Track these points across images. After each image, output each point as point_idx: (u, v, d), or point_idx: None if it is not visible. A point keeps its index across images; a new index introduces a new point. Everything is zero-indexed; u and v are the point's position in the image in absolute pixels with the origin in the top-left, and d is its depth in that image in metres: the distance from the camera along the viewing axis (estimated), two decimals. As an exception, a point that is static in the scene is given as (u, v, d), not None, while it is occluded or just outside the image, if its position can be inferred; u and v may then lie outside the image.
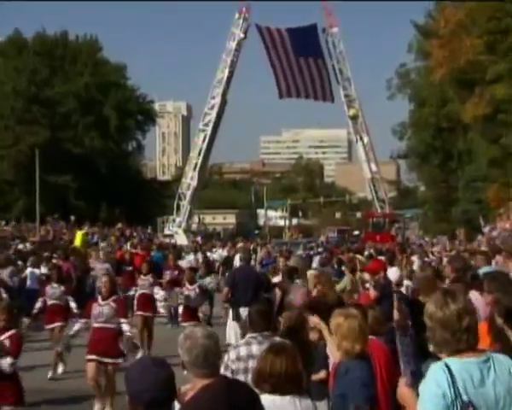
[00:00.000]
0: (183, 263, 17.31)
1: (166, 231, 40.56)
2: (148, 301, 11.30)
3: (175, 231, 40.28)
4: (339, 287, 8.98)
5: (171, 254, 15.86)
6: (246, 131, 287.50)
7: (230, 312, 9.96)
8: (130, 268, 15.34)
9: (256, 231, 58.76)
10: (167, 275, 13.67)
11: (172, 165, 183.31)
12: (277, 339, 4.82)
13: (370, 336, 4.38)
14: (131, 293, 11.83)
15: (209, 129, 42.10)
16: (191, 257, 20.14)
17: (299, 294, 6.94)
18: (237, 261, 16.09)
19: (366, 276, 7.73)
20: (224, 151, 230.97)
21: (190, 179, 42.42)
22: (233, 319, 9.75)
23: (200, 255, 19.92)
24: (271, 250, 22.83)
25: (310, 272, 10.09)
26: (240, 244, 22.20)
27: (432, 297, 2.97)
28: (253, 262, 22.50)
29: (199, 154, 42.20)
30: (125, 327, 7.77)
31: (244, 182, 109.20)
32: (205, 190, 66.81)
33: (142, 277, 11.55)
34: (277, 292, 9.11)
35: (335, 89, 42.72)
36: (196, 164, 42.23)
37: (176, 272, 14.07)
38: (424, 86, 43.97)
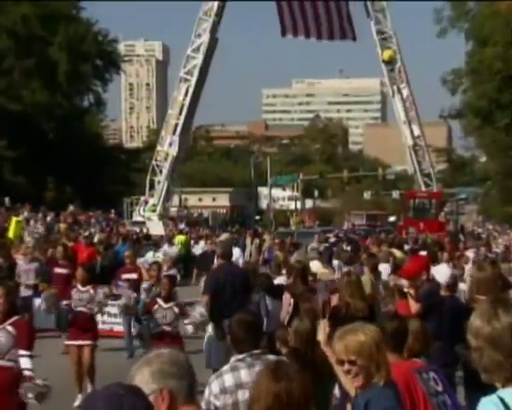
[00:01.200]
0: (145, 262, 17.36)
1: (136, 217, 41.00)
2: (86, 324, 11.06)
3: (147, 216, 40.74)
4: None
5: (129, 252, 15.62)
6: (243, 83, 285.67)
7: (209, 328, 10.11)
8: (66, 271, 14.95)
9: (257, 217, 58.85)
10: (122, 282, 13.39)
11: (143, 127, 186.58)
12: (272, 358, 4.89)
13: (402, 359, 4.63)
14: (63, 307, 11.39)
15: (193, 79, 42.10)
16: (162, 252, 19.69)
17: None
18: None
19: (403, 281, 7.87)
20: (213, 109, 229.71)
21: (168, 147, 42.49)
22: (217, 338, 9.91)
23: (171, 249, 19.79)
24: (273, 243, 23.03)
25: (321, 271, 10.26)
26: (224, 236, 21.49)
27: (477, 308, 3.06)
28: (254, 257, 22.37)
29: (180, 112, 42.14)
30: (25, 364, 7.04)
31: (241, 151, 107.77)
32: (188, 161, 66.29)
33: (78, 287, 11.21)
34: (287, 297, 9.17)
35: (364, 24, 42.22)
36: (176, 126, 42.20)
37: (133, 276, 14.18)
38: (487, 18, 43.21)
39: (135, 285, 13.27)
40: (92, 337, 11.10)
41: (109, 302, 12.14)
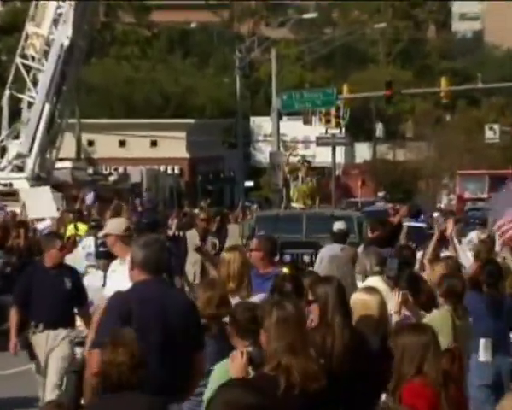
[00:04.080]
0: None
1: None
2: None
3: (8, 179, 36.26)
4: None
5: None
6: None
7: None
8: None
9: (248, 184, 56.05)
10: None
11: None
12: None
13: None
14: None
15: None
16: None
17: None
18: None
19: None
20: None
21: (52, 28, 37.15)
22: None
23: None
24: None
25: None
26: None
27: None
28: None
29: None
30: None
31: (210, 36, 76.73)
32: (98, 60, 63.36)
33: None
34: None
35: None
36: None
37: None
38: None
39: None
40: None
41: None
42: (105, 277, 12.60)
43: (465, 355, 8.67)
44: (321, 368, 5.81)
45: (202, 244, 16.74)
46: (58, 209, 30.27)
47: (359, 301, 7.57)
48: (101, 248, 13.14)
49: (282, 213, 28.41)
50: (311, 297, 7.15)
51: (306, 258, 21.67)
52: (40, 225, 23.99)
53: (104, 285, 12.02)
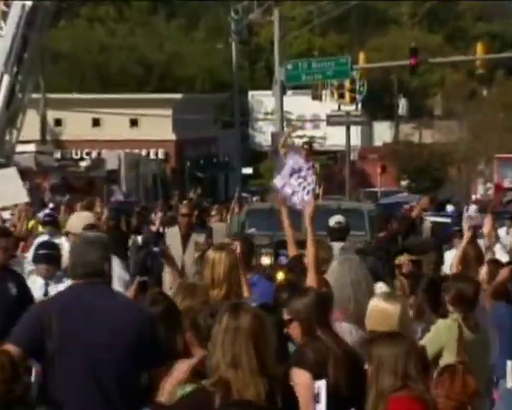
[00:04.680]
0: None
1: None
2: None
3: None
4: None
5: None
6: None
7: None
8: None
9: (246, 171, 58.44)
10: None
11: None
12: None
13: None
14: None
15: None
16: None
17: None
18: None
19: None
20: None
21: None
22: None
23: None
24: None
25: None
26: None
27: None
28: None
29: None
30: None
31: None
32: (67, 22, 67.57)
33: None
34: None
35: None
36: None
37: None
38: None
39: None
40: None
41: None
42: (46, 285, 12.46)
43: (482, 377, 8.46)
44: (267, 385, 5.85)
45: (166, 247, 16.75)
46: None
47: (377, 309, 7.59)
48: (40, 251, 12.85)
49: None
50: (287, 316, 7.31)
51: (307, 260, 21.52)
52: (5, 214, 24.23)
53: (46, 295, 11.91)
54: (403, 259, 11.78)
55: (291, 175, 11.66)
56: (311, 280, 8.85)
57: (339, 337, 7.35)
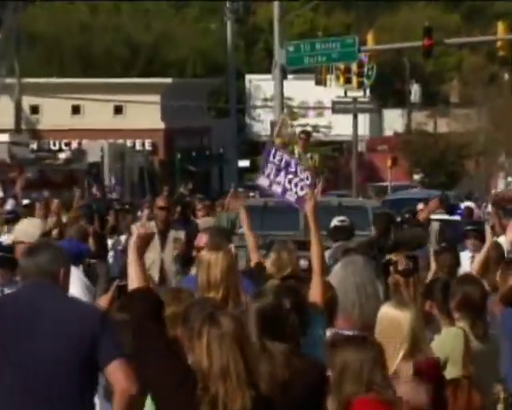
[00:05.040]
0: None
1: None
2: None
3: None
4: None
5: None
6: None
7: None
8: None
9: (242, 163, 61.49)
10: None
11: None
12: None
13: None
14: None
15: None
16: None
17: None
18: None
19: None
20: None
21: None
22: None
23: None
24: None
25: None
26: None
27: None
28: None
29: None
30: None
31: None
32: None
33: None
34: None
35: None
36: None
37: None
38: None
39: None
40: None
41: None
42: (1, 291, 12.38)
43: (491, 391, 8.46)
44: (255, 397, 6.02)
45: (125, 246, 16.41)
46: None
47: (386, 317, 7.59)
48: None
49: (271, 202, 27.47)
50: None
51: (304, 263, 21.08)
52: None
53: None
54: (398, 256, 11.61)
55: (278, 172, 11.57)
56: (316, 284, 8.88)
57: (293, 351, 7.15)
